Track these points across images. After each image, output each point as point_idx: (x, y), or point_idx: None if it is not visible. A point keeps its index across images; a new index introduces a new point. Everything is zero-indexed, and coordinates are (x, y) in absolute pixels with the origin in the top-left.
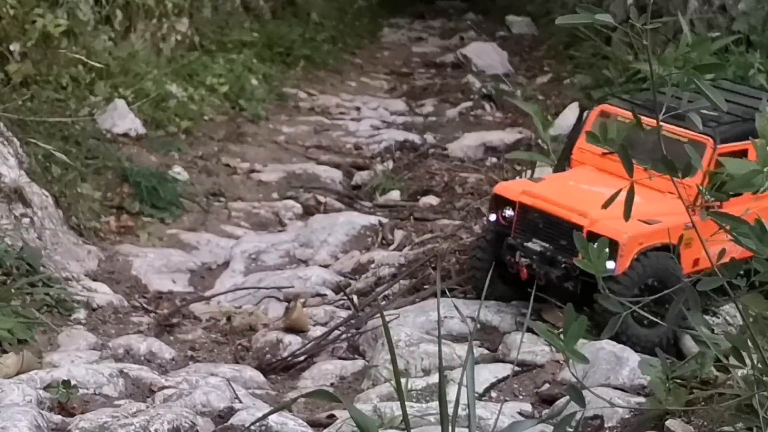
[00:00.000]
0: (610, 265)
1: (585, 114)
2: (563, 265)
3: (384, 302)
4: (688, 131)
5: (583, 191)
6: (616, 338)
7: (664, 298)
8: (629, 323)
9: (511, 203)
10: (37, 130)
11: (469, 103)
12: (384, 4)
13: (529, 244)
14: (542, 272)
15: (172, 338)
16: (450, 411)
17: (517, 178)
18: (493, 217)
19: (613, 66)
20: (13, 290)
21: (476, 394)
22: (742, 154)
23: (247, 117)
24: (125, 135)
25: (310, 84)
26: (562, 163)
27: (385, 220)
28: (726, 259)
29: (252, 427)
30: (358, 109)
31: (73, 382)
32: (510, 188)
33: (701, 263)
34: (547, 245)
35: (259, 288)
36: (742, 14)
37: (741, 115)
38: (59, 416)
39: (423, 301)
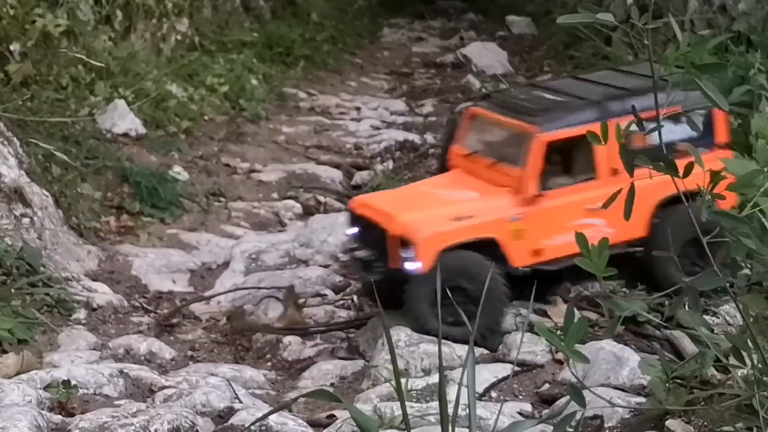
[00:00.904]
0: (414, 265)
1: (455, 118)
2: (380, 270)
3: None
4: (512, 120)
5: (422, 196)
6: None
7: (473, 295)
8: (430, 320)
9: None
10: (37, 130)
11: (469, 103)
12: (384, 4)
13: (356, 253)
14: (360, 278)
15: (172, 338)
16: (450, 411)
17: None
18: (351, 231)
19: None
20: (13, 290)
21: (476, 394)
22: (577, 140)
23: (247, 117)
24: (125, 135)
25: (310, 84)
26: (441, 168)
27: None
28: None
29: (252, 427)
30: (358, 109)
31: (73, 382)
32: (357, 201)
33: (546, 253)
34: (373, 252)
35: (259, 288)
36: (742, 14)
37: (582, 97)
38: (59, 416)
39: None
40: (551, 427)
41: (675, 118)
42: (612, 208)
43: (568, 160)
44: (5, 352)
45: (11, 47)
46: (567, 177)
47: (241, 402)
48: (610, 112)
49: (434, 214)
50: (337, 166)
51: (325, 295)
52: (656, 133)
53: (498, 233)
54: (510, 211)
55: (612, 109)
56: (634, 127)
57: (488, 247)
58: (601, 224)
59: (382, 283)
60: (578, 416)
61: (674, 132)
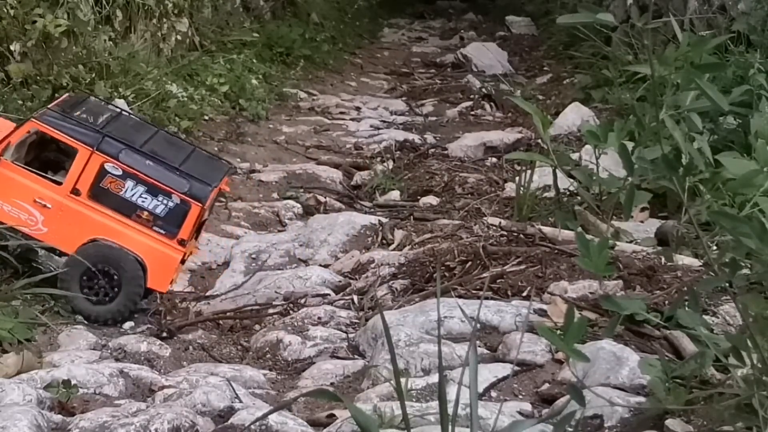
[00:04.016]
0: None
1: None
2: None
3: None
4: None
5: None
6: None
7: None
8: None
9: None
10: None
11: (469, 103)
12: (384, 4)
13: None
14: None
15: (172, 338)
16: (450, 411)
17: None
18: None
19: (612, 66)
20: (13, 290)
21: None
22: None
23: (247, 117)
24: None
25: (310, 84)
26: None
27: (385, 220)
28: None
29: (252, 427)
30: (358, 109)
31: (73, 382)
32: None
33: None
34: None
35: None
36: (742, 14)
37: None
38: (59, 416)
39: (423, 301)
40: (551, 427)
41: (154, 193)
42: (55, 216)
43: (60, 159)
44: (5, 352)
45: (11, 47)
46: (46, 168)
47: (241, 402)
48: (101, 145)
49: None
50: (337, 166)
51: (325, 294)
52: (128, 186)
53: None
54: None
55: (105, 145)
56: (112, 169)
57: None
58: (39, 219)
59: None
60: (578, 416)
61: (147, 201)
